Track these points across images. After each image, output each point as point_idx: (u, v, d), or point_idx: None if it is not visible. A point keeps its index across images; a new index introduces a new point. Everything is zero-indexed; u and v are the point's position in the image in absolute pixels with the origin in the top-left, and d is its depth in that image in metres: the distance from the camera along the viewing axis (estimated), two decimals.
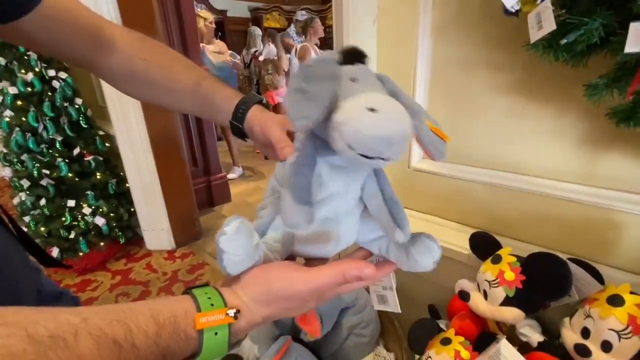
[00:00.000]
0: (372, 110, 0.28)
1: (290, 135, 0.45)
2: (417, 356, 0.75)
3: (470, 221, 0.84)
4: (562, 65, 0.60)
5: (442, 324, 0.80)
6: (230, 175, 3.29)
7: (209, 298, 0.32)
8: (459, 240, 0.82)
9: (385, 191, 0.39)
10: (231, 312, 0.31)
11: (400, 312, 0.67)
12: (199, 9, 2.85)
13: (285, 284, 0.34)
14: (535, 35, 0.52)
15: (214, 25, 3.03)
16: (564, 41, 0.49)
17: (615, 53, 0.49)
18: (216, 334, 0.30)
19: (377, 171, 0.39)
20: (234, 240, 0.33)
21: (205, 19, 2.86)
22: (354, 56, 0.36)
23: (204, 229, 2.37)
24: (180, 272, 1.99)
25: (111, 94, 1.83)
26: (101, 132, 2.04)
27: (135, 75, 0.53)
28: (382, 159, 0.29)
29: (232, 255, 0.33)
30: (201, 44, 2.81)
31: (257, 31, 4.37)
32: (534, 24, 0.51)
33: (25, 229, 0.57)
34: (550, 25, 0.49)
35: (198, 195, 2.41)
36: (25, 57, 1.71)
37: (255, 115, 0.49)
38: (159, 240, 2.17)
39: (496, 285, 0.65)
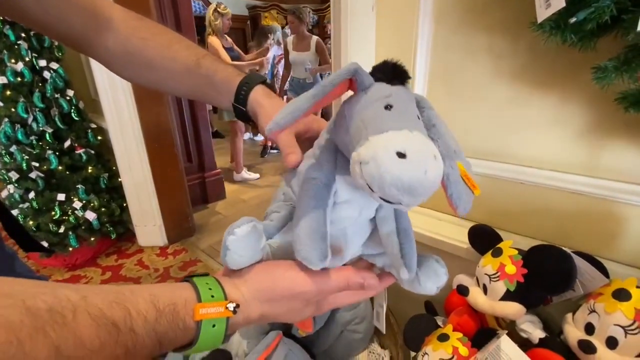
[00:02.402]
0: (400, 155, 0.24)
1: (300, 136, 0.42)
2: (412, 353, 0.73)
3: (468, 215, 0.82)
4: (568, 50, 0.58)
5: (438, 320, 0.78)
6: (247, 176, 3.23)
7: (210, 289, 0.31)
8: (457, 234, 0.79)
9: (400, 222, 0.36)
10: (231, 306, 0.31)
11: (384, 333, 0.65)
12: (215, 4, 2.76)
13: (290, 283, 0.33)
14: (542, 14, 0.50)
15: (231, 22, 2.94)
16: (573, 20, 0.47)
17: (627, 33, 0.46)
18: (214, 326, 0.30)
19: None
20: (241, 242, 0.33)
21: (224, 14, 2.78)
22: (395, 73, 0.32)
23: (197, 226, 2.34)
24: (172, 269, 1.95)
25: (104, 86, 1.79)
26: (93, 125, 2.00)
27: (132, 55, 0.50)
28: (402, 204, 0.26)
29: (237, 254, 0.33)
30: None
31: (278, 29, 3.96)
32: (542, 1, 0.49)
33: None
34: (559, 3, 0.46)
35: (192, 191, 2.37)
36: (16, 47, 1.66)
37: (260, 101, 0.45)
38: (151, 236, 2.13)
39: (496, 279, 0.62)
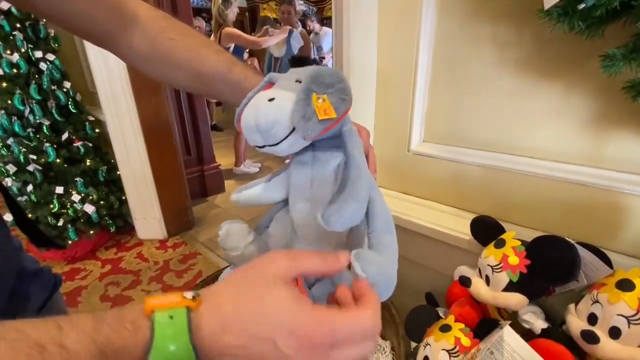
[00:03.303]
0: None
1: None
2: (414, 344, 0.73)
3: (470, 206, 0.82)
4: (573, 39, 0.57)
5: (440, 312, 0.78)
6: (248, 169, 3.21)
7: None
8: (459, 226, 0.79)
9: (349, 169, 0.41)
10: (188, 295, 0.26)
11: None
12: None
13: (287, 311, 0.26)
14: (550, 0, 0.49)
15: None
16: (581, 6, 0.46)
17: (637, 20, 0.45)
18: (171, 317, 0.24)
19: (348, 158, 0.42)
20: (226, 238, 0.49)
21: (233, 2, 2.72)
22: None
23: (196, 219, 2.33)
24: (172, 262, 1.95)
25: (102, 78, 1.77)
26: (91, 118, 1.98)
27: (160, 54, 0.50)
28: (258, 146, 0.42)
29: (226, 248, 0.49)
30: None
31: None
32: None
33: (11, 215, 0.55)
34: None
35: (191, 184, 2.36)
36: (11, 37, 1.64)
37: None
38: (151, 229, 2.13)
39: (499, 270, 0.62)
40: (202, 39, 0.52)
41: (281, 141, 0.40)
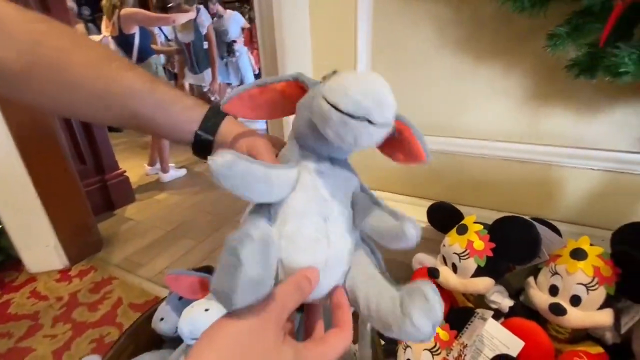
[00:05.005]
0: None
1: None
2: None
3: (424, 193, 0.81)
4: (510, 18, 0.57)
5: None
6: (167, 177, 2.74)
7: None
8: (414, 214, 0.77)
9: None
10: None
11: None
12: None
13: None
14: None
15: None
16: None
17: None
18: None
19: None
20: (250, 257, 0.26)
21: None
22: None
23: (105, 238, 1.99)
24: (81, 294, 1.63)
25: None
26: None
27: (41, 70, 0.35)
28: (370, 121, 0.25)
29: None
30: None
31: None
32: None
33: None
34: None
35: (92, 198, 2.00)
36: None
37: (234, 130, 0.39)
38: (45, 259, 1.75)
39: (466, 257, 0.61)
40: (107, 51, 0.39)
41: None
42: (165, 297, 0.73)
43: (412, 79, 0.74)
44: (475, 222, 0.63)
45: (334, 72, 0.29)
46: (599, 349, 0.55)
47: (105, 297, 1.61)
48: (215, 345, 0.24)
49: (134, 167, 2.92)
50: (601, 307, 0.54)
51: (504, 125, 0.69)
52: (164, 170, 2.72)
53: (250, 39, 3.63)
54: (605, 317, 0.53)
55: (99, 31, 2.74)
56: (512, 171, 0.70)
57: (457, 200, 0.74)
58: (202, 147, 0.40)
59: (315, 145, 0.31)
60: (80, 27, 2.53)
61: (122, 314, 1.49)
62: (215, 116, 0.39)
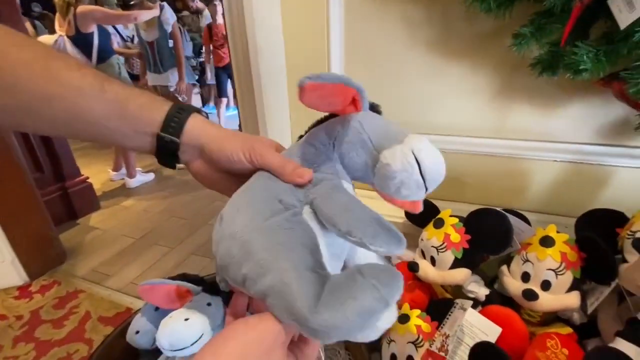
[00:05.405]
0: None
1: None
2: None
3: None
4: (477, 18, 0.60)
5: None
6: (132, 182, 2.60)
7: None
8: (391, 211, 0.78)
9: None
10: None
11: None
12: None
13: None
14: None
15: None
16: None
17: None
18: None
19: None
20: None
21: None
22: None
23: (68, 250, 1.88)
24: (44, 311, 1.53)
25: None
26: None
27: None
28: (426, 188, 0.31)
29: None
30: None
31: None
32: None
33: None
34: None
35: (52, 207, 1.88)
36: None
37: (207, 130, 0.35)
38: (1, 276, 1.63)
39: (443, 249, 0.63)
40: (48, 49, 0.33)
41: None
42: (140, 308, 0.70)
43: (385, 78, 0.75)
44: (451, 216, 0.65)
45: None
46: (568, 330, 0.58)
47: (71, 312, 1.52)
48: (219, 357, 0.22)
49: (98, 173, 2.78)
50: (569, 290, 0.57)
51: (474, 121, 0.72)
52: (130, 175, 2.60)
53: (210, 37, 3.33)
54: (573, 299, 0.57)
55: (48, 30, 2.55)
56: (482, 165, 0.73)
57: (432, 195, 0.75)
58: (167, 152, 0.35)
59: (343, 167, 0.34)
60: (28, 26, 2.33)
61: (91, 329, 1.41)
62: (178, 114, 0.34)
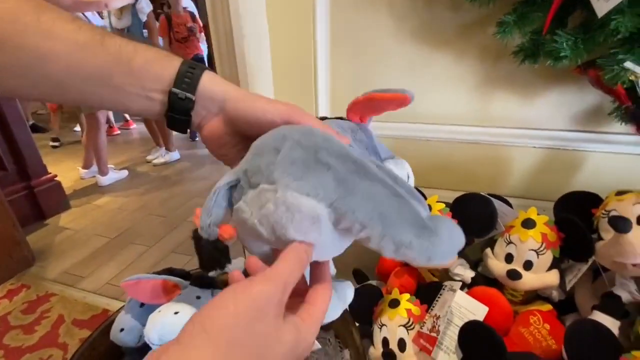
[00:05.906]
0: None
1: None
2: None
3: None
4: (461, 7, 0.61)
5: (373, 284, 0.78)
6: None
7: None
8: None
9: None
10: None
11: None
12: None
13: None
14: None
15: None
16: None
17: None
18: None
19: None
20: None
21: None
22: None
23: (36, 251, 1.78)
24: (12, 316, 1.45)
25: None
26: None
27: None
28: None
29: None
30: None
31: None
32: None
33: None
34: None
35: (18, 208, 1.77)
36: None
37: (226, 90, 0.31)
38: None
39: None
40: (42, 2, 0.29)
41: None
42: (122, 306, 0.67)
43: (371, 68, 0.75)
44: (437, 202, 0.67)
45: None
46: (548, 307, 0.61)
47: (42, 317, 1.44)
48: (209, 330, 0.20)
49: (67, 171, 2.64)
50: (549, 269, 0.60)
51: (458, 109, 0.73)
52: (102, 172, 2.49)
53: (169, 27, 2.71)
54: (553, 278, 0.59)
55: None
56: (467, 152, 0.75)
57: (419, 182, 0.77)
58: (180, 111, 0.31)
59: None
60: None
61: (65, 333, 1.35)
62: (192, 69, 0.31)
